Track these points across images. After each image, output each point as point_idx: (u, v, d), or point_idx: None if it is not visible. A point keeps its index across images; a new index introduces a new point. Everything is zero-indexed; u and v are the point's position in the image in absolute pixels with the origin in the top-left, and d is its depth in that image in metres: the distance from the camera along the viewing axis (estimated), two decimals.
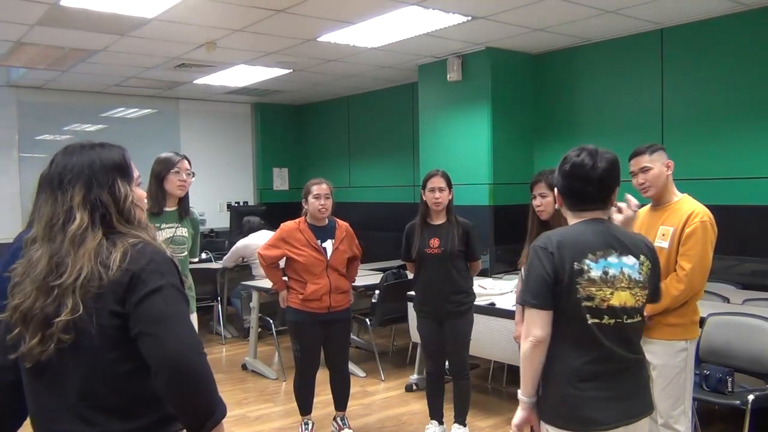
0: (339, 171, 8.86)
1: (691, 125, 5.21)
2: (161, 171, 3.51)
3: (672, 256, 2.91)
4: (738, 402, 3.36)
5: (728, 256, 4.89)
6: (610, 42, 5.70)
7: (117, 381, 1.42)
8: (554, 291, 1.96)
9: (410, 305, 4.49)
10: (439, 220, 3.89)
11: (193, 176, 3.61)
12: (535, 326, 1.98)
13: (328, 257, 3.93)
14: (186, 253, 3.63)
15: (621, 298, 1.99)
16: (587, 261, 1.97)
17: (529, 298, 1.99)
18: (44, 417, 1.47)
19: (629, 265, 2.01)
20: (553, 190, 3.24)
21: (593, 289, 1.96)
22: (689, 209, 2.92)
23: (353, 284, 4.24)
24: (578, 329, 1.97)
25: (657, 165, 2.96)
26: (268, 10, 4.74)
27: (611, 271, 1.98)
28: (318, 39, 5.58)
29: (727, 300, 4.36)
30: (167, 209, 3.56)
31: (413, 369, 5.24)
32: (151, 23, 4.99)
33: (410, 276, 4.17)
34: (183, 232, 3.60)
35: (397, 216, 6.14)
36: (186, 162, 3.57)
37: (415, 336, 4.49)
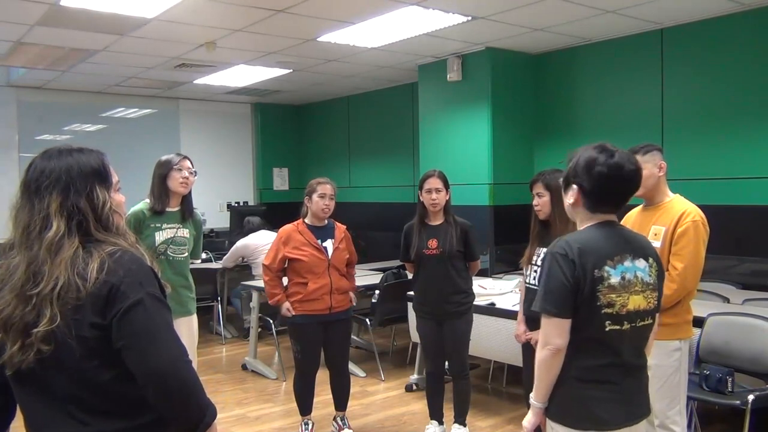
0: (339, 171, 8.85)
1: (691, 125, 5.21)
2: (164, 170, 3.53)
3: (664, 256, 2.92)
4: (738, 402, 3.35)
5: (728, 256, 4.89)
6: (610, 42, 5.70)
7: (102, 387, 1.42)
8: (575, 298, 1.94)
9: (410, 305, 4.49)
10: (437, 221, 3.89)
11: (196, 175, 3.62)
12: (555, 335, 1.95)
13: (329, 256, 3.94)
14: (187, 254, 3.64)
15: (636, 302, 1.99)
16: (607, 268, 1.95)
17: (549, 307, 1.96)
18: (36, 420, 1.46)
19: (641, 268, 2.02)
20: (550, 190, 3.24)
21: (613, 295, 1.95)
22: (681, 209, 2.93)
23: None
24: (595, 335, 1.96)
25: (648, 166, 2.97)
26: (268, 10, 4.74)
27: (627, 276, 1.98)
28: (318, 39, 5.58)
29: (727, 300, 4.36)
30: (170, 209, 3.56)
31: (413, 369, 5.24)
32: (151, 23, 4.99)
33: (410, 276, 4.17)
34: (184, 233, 3.60)
35: (397, 216, 6.14)
36: (188, 161, 3.59)
37: (415, 336, 4.50)
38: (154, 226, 3.50)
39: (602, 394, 1.98)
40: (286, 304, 3.94)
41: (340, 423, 4.18)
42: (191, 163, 3.62)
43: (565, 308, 1.94)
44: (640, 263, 2.02)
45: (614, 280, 1.95)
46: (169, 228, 3.55)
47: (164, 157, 3.59)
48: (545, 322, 1.97)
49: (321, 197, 3.90)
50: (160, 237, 3.51)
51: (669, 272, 2.90)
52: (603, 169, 1.97)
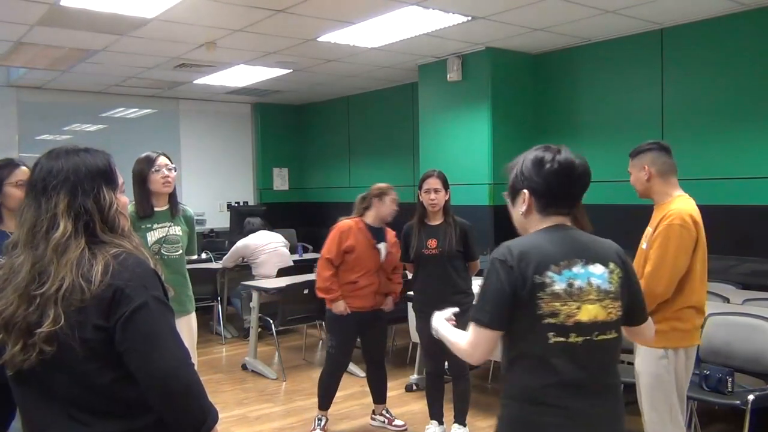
0: (339, 171, 8.84)
1: (690, 125, 5.21)
2: (141, 173, 3.44)
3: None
4: (738, 402, 3.35)
5: (728, 256, 4.89)
6: (610, 42, 5.70)
7: (104, 389, 1.41)
8: (512, 309, 1.77)
9: (410, 305, 4.49)
10: (437, 221, 3.89)
11: (175, 171, 3.52)
12: (482, 347, 1.80)
13: (382, 258, 4.10)
14: (181, 251, 3.57)
15: (590, 313, 1.77)
16: (549, 273, 1.76)
17: (481, 317, 1.79)
18: (36, 421, 1.46)
19: (597, 274, 1.81)
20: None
21: (557, 303, 1.75)
22: (667, 210, 2.85)
23: None
24: (539, 349, 1.76)
25: (633, 171, 2.98)
26: (268, 10, 4.74)
27: (577, 283, 1.78)
28: (318, 39, 5.58)
29: (727, 300, 4.36)
30: (158, 209, 3.50)
31: (413, 369, 5.24)
32: (151, 23, 5.00)
33: (410, 276, 4.17)
34: (176, 230, 3.54)
35: (398, 216, 6.14)
36: (164, 158, 3.48)
37: (415, 336, 4.50)
38: (144, 227, 3.43)
39: (553, 420, 1.76)
40: (343, 303, 4.03)
41: (387, 416, 4.32)
42: (169, 159, 3.51)
43: (499, 320, 1.77)
44: (596, 269, 1.81)
45: (558, 286, 1.76)
46: (160, 228, 3.49)
47: (140, 157, 3.48)
48: (475, 330, 1.80)
49: (393, 201, 4.11)
50: (152, 237, 3.44)
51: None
52: (553, 165, 1.84)
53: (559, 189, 1.86)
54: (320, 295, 4.09)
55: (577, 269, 1.79)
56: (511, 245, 1.82)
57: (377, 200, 4.09)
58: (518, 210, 1.92)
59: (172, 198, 3.57)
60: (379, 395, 4.35)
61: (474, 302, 1.86)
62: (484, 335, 1.79)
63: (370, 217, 4.11)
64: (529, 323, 1.76)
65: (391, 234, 4.21)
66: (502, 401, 1.86)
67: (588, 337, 1.77)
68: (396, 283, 4.29)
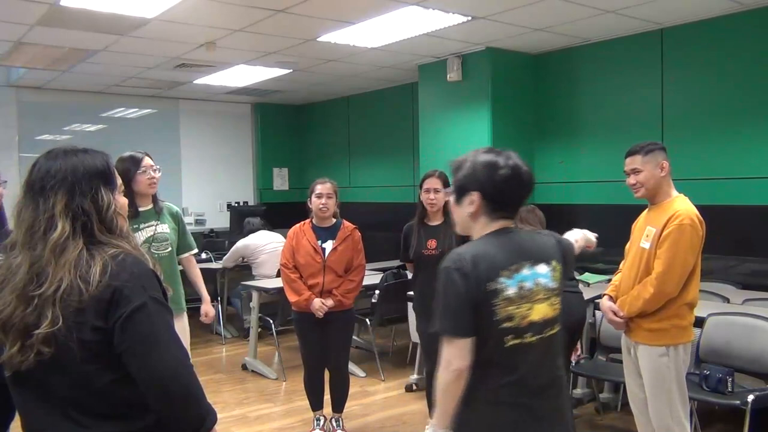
0: (339, 171, 8.84)
1: (691, 125, 5.21)
2: (127, 173, 3.38)
3: (652, 258, 2.87)
4: (738, 402, 3.36)
5: (728, 256, 4.89)
6: (610, 42, 5.69)
7: (102, 390, 1.41)
8: (474, 316, 1.81)
9: (410, 305, 4.49)
10: (437, 221, 3.89)
11: (160, 171, 3.53)
12: (458, 357, 1.81)
13: (325, 257, 3.95)
14: (170, 249, 3.57)
15: (540, 312, 1.87)
16: (502, 279, 1.82)
17: (449, 328, 1.82)
18: (34, 423, 1.46)
19: (543, 273, 1.90)
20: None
21: (512, 307, 1.82)
22: (673, 210, 2.86)
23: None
24: (498, 352, 1.82)
25: (648, 167, 2.92)
26: (268, 10, 4.74)
27: (527, 285, 1.86)
28: (318, 39, 5.58)
29: (727, 300, 4.36)
30: (142, 209, 3.51)
31: (413, 369, 5.24)
32: (151, 23, 4.99)
33: (410, 276, 4.17)
34: (164, 228, 3.55)
35: (397, 216, 6.13)
36: (148, 159, 3.49)
37: (415, 336, 4.50)
38: (132, 228, 3.43)
39: (514, 416, 1.84)
40: (318, 301, 3.92)
41: (333, 425, 4.17)
42: (151, 159, 3.51)
43: (467, 327, 1.81)
44: (541, 269, 1.90)
45: (511, 291, 1.82)
46: (147, 227, 3.49)
47: (125, 155, 3.46)
48: (445, 343, 1.83)
49: (318, 197, 3.95)
50: (140, 237, 3.44)
51: (651, 275, 2.86)
52: (506, 171, 1.88)
53: (508, 194, 1.92)
54: (293, 298, 3.98)
55: (525, 271, 1.87)
56: (462, 253, 1.86)
57: (309, 200, 4.04)
58: (465, 210, 1.94)
59: (154, 196, 3.58)
60: (334, 402, 4.17)
61: (437, 314, 1.86)
62: (457, 344, 1.82)
63: (314, 218, 4.04)
64: (486, 329, 1.82)
65: (345, 230, 4.02)
66: (462, 405, 1.84)
67: (541, 335, 1.87)
68: (347, 281, 3.99)
